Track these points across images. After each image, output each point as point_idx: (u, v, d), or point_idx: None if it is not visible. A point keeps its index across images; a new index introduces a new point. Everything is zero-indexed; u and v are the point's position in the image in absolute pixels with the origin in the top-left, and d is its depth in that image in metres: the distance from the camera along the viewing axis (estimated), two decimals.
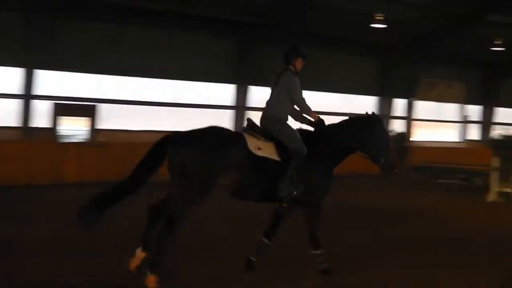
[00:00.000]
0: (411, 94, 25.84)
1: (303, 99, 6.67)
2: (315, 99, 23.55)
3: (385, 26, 21.58)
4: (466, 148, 26.99)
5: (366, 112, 6.86)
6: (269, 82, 6.87)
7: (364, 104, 25.40)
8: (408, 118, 25.92)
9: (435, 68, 26.61)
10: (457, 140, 29.05)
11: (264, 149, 6.32)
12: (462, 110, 29.07)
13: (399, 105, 26.34)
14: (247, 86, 21.76)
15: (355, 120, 6.88)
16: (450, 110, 28.61)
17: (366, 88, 25.51)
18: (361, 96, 25.59)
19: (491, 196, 14.13)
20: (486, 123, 30.40)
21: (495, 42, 25.31)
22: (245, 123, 6.60)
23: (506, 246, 8.58)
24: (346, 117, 6.97)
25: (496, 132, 27.64)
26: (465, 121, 29.27)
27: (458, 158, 21.02)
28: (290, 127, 6.60)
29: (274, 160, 6.33)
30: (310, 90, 23.34)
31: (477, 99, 29.42)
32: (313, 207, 6.62)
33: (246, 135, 6.35)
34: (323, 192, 6.63)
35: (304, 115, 6.83)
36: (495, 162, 14.42)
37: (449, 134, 28.85)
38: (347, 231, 9.32)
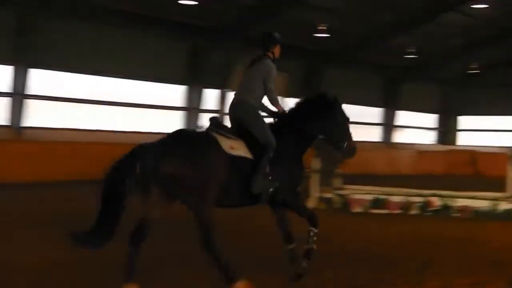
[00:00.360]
0: (224, 83, 25.95)
1: (275, 89, 7.36)
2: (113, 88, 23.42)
3: (196, 2, 21.86)
4: None
5: (320, 94, 7.66)
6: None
7: (172, 94, 25.57)
8: (221, 112, 25.76)
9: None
10: None
11: (237, 148, 6.89)
12: (282, 103, 30.06)
13: (211, 96, 26.63)
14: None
15: (315, 105, 7.57)
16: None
17: (174, 75, 25.66)
18: (167, 85, 25.61)
19: (311, 202, 14.50)
20: None
21: (319, 28, 26.54)
22: (209, 123, 7.09)
23: (333, 259, 8.70)
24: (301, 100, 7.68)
25: None
26: None
27: None
28: (262, 117, 7.31)
29: (248, 158, 6.94)
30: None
31: (299, 90, 30.77)
32: (292, 203, 7.32)
33: (216, 135, 6.86)
34: (297, 184, 7.36)
35: (270, 106, 7.55)
36: (316, 163, 14.92)
37: None
38: None
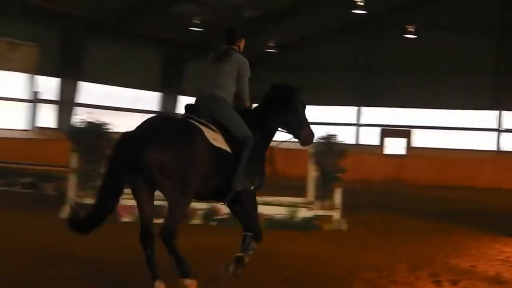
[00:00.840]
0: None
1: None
2: None
3: None
4: (36, 139, 27.22)
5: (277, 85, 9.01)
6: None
7: None
8: None
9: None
10: (23, 127, 29.26)
11: (218, 140, 8.01)
12: (32, 83, 29.31)
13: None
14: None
15: (274, 97, 8.88)
16: (14, 82, 28.78)
17: None
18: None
19: (66, 209, 14.13)
20: (66, 103, 31.33)
21: None
22: (184, 110, 8.39)
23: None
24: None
25: (78, 117, 28.77)
26: (36, 100, 29.73)
27: (23, 154, 21.17)
28: (235, 111, 8.42)
29: (228, 152, 8.08)
30: None
31: (54, 69, 30.30)
32: (251, 201, 8.54)
33: (198, 124, 7.94)
34: (262, 181, 8.62)
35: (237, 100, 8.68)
36: (74, 160, 14.81)
37: (14, 118, 28.95)
38: None
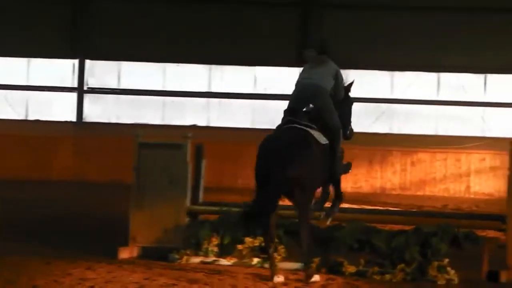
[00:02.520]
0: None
1: None
2: None
3: None
4: None
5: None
6: None
7: None
8: None
9: None
10: None
11: (320, 137, 8.98)
12: None
13: None
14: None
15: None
16: None
17: None
18: None
19: None
20: None
21: None
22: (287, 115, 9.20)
23: None
24: None
25: None
26: None
27: None
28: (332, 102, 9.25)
29: (327, 144, 9.06)
30: None
31: None
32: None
33: (309, 130, 8.91)
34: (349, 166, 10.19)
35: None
36: None
37: None
38: None
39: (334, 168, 9.28)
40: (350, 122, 9.92)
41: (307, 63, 9.79)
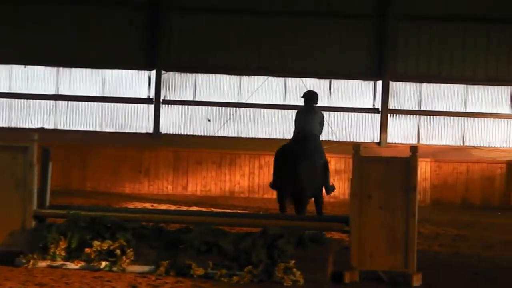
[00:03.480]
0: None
1: None
2: None
3: None
4: None
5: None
6: None
7: None
8: None
9: None
10: None
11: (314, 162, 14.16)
12: None
13: None
14: None
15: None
16: None
17: None
18: None
19: None
20: None
21: None
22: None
23: None
24: None
25: None
26: None
27: None
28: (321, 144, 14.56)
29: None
30: None
31: None
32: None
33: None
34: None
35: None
36: None
37: None
38: None
39: (327, 184, 14.22)
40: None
41: (303, 111, 14.49)
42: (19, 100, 25.40)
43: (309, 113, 14.31)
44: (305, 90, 15.36)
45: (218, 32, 24.99)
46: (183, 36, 24.97)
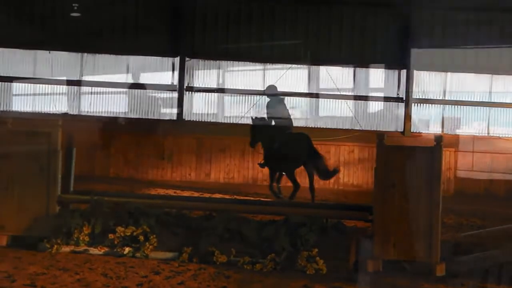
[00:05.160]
0: None
1: None
2: None
3: None
4: None
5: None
6: None
7: None
8: None
9: None
10: None
11: None
12: None
13: None
14: None
15: None
16: None
17: None
18: None
19: None
20: None
21: None
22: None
23: None
24: None
25: None
26: None
27: None
28: None
29: None
30: None
31: None
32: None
33: None
34: None
35: None
36: None
37: None
38: None
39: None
40: None
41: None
42: (43, 85, 25.49)
43: (281, 102, 17.70)
44: (269, 85, 19.04)
45: (242, 19, 24.92)
46: (207, 23, 24.91)
